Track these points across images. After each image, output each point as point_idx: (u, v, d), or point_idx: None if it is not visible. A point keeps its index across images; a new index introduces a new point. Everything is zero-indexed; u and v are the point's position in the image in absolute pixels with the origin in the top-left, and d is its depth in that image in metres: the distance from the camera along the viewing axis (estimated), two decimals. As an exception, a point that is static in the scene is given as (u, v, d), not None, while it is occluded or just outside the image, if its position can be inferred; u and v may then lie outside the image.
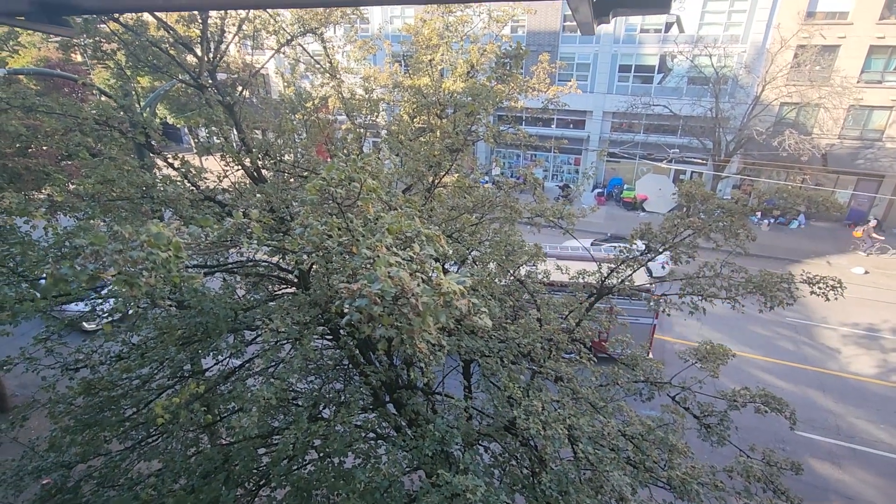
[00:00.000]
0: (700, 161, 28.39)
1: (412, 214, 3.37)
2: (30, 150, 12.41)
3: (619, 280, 6.86)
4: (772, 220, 27.50)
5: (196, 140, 7.00)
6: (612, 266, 6.83)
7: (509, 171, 33.11)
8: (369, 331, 2.12)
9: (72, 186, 6.95)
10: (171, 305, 5.88)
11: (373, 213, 2.95)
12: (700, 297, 6.47)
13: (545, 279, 8.13)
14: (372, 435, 7.17)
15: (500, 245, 7.59)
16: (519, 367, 6.29)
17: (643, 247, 6.52)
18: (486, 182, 27.29)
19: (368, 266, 2.41)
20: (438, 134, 8.85)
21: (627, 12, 1.29)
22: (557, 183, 32.76)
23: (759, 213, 26.98)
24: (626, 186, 31.09)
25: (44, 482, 9.82)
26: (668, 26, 27.39)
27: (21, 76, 18.51)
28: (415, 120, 9.31)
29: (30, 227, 5.47)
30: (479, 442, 6.81)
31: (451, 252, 5.03)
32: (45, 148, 12.70)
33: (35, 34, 30.33)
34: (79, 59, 30.45)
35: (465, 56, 8.40)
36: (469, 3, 7.28)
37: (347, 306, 2.17)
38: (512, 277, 7.61)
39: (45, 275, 4.89)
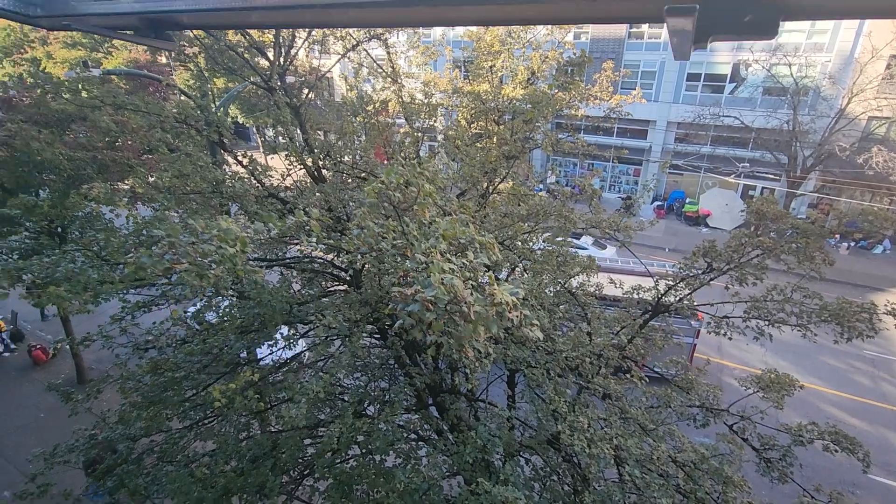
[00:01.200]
0: (773, 177, 26.65)
1: (467, 221, 3.37)
2: (117, 143, 13.50)
3: (678, 298, 6.55)
4: (852, 244, 25.35)
5: (263, 139, 7.38)
6: (671, 283, 6.53)
7: (565, 179, 32.50)
8: (420, 335, 2.14)
9: (151, 179, 7.50)
10: (232, 295, 6.20)
11: (428, 218, 2.98)
12: (766, 322, 6.05)
13: (597, 292, 7.90)
14: (413, 436, 7.22)
15: (552, 255, 7.45)
16: (566, 381, 6.13)
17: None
18: (541, 190, 26.95)
19: (422, 270, 2.43)
20: (495, 140, 8.83)
21: (729, 38, 1.23)
22: (618, 194, 31.77)
23: (837, 236, 24.92)
24: (688, 200, 29.71)
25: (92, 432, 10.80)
26: (744, 33, 25.95)
27: (113, 76, 20.19)
28: (472, 125, 9.34)
29: (113, 215, 5.96)
30: (521, 453, 6.69)
31: (502, 259, 4.98)
32: (129, 142, 13.78)
33: (127, 38, 33.00)
34: (163, 60, 32.85)
35: (527, 63, 8.34)
36: (533, 25, 7.16)
37: (400, 310, 2.20)
38: (563, 288, 7.45)
39: (123, 261, 5.30)
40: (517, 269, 7.87)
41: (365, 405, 6.98)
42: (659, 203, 29.89)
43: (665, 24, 1.20)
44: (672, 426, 6.32)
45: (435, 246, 2.68)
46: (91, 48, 36.31)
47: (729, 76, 26.87)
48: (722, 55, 26.72)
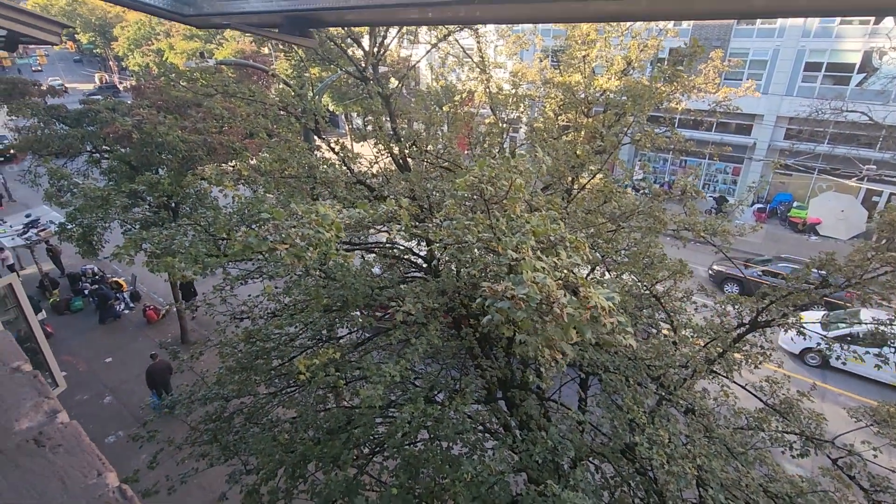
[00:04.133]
0: (904, 182, 23.31)
1: (556, 218, 3.27)
2: (223, 128, 14.70)
3: (781, 314, 5.94)
4: None
5: (350, 126, 7.65)
6: (774, 297, 5.93)
7: (653, 176, 30.62)
8: (509, 333, 2.10)
9: (251, 162, 8.08)
10: (320, 276, 6.54)
11: (518, 212, 2.92)
12: (893, 349, 5.32)
13: (686, 298, 7.40)
14: (481, 428, 7.24)
15: (638, 256, 7.07)
16: (645, 390, 5.82)
17: None
18: (627, 186, 25.57)
19: (513, 266, 2.38)
20: (583, 133, 8.49)
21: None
22: (710, 194, 29.42)
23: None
24: (795, 204, 26.84)
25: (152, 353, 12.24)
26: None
27: (223, 65, 21.94)
28: (559, 118, 9.05)
29: (220, 194, 6.48)
30: (590, 459, 6.48)
31: (592, 259, 4.79)
32: (234, 128, 14.96)
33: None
34: (266, 51, 35.20)
35: (624, 52, 7.88)
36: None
37: (489, 305, 2.17)
38: (647, 292, 7.05)
39: (225, 236, 5.77)
40: (597, 268, 7.56)
41: (435, 392, 7.10)
42: (760, 206, 27.29)
43: None
44: (764, 452, 5.79)
45: (525, 242, 2.62)
46: (206, 40, 39.75)
47: (858, 65, 23.73)
48: (851, 41, 23.65)
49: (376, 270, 8.09)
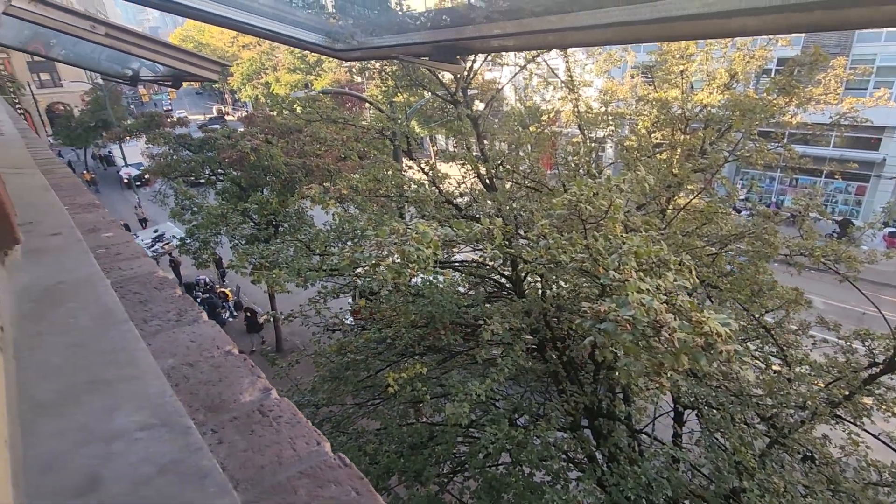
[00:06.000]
0: None
1: (658, 239, 3.12)
2: (323, 152, 15.85)
3: (926, 353, 5.11)
4: None
5: (435, 147, 7.88)
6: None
7: (758, 196, 28.05)
8: (612, 357, 2.03)
9: (344, 182, 8.60)
10: (410, 292, 6.75)
11: (618, 232, 2.83)
12: None
13: (802, 331, 6.65)
14: (564, 457, 6.96)
15: (743, 282, 6.49)
16: (754, 431, 5.27)
17: None
18: (730, 207, 23.62)
19: (606, 288, 2.31)
20: (678, 151, 8.05)
21: None
22: (832, 217, 26.26)
23: None
24: (937, 227, 23.18)
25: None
26: None
27: (322, 94, 23.77)
28: (653, 135, 8.67)
29: (321, 212, 6.96)
30: (687, 502, 5.95)
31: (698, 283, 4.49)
32: (330, 151, 16.07)
33: (333, 61, 38.58)
34: (359, 79, 37.61)
35: (727, 64, 7.40)
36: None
37: (589, 327, 2.11)
38: (756, 322, 6.44)
39: (323, 251, 6.16)
40: (697, 291, 7.06)
41: (518, 415, 6.96)
42: (893, 229, 23.87)
43: None
44: (908, 514, 4.97)
45: (626, 263, 2.53)
46: (306, 72, 43.37)
47: None
48: None
49: (461, 289, 8.17)
